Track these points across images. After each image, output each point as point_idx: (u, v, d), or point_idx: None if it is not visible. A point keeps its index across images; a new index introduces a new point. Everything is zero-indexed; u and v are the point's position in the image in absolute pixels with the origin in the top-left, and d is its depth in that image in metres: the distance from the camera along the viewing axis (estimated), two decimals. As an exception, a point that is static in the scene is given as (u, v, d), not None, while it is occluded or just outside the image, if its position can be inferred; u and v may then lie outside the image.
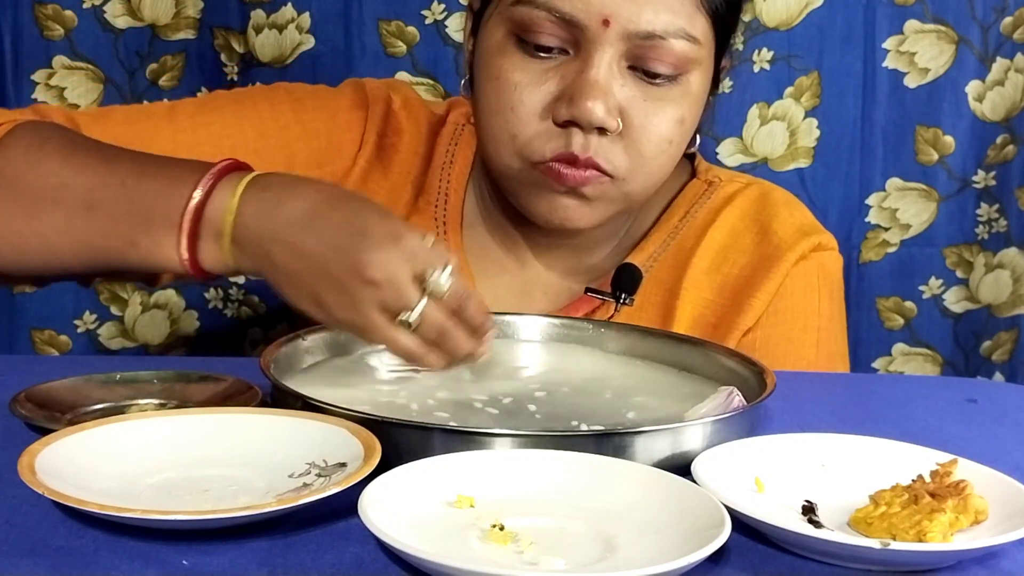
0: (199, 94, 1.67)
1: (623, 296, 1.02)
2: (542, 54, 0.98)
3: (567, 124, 0.97)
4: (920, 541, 0.61)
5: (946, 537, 0.62)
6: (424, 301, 0.76)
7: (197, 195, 0.83)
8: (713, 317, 1.07)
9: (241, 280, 1.77)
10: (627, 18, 0.95)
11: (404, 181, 1.14)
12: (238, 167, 0.87)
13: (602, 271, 1.10)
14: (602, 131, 0.97)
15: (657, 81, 0.98)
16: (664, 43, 0.96)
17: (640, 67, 0.97)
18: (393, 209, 1.12)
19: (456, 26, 1.62)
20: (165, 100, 1.66)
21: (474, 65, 1.05)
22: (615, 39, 0.95)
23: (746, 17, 1.61)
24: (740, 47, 1.63)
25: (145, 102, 1.66)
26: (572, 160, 0.97)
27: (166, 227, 0.85)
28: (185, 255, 0.84)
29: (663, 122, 0.99)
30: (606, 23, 0.95)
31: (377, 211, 0.81)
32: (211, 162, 0.86)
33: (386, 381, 0.88)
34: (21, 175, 0.91)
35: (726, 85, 1.63)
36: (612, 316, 1.03)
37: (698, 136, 1.09)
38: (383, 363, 0.90)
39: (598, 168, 0.98)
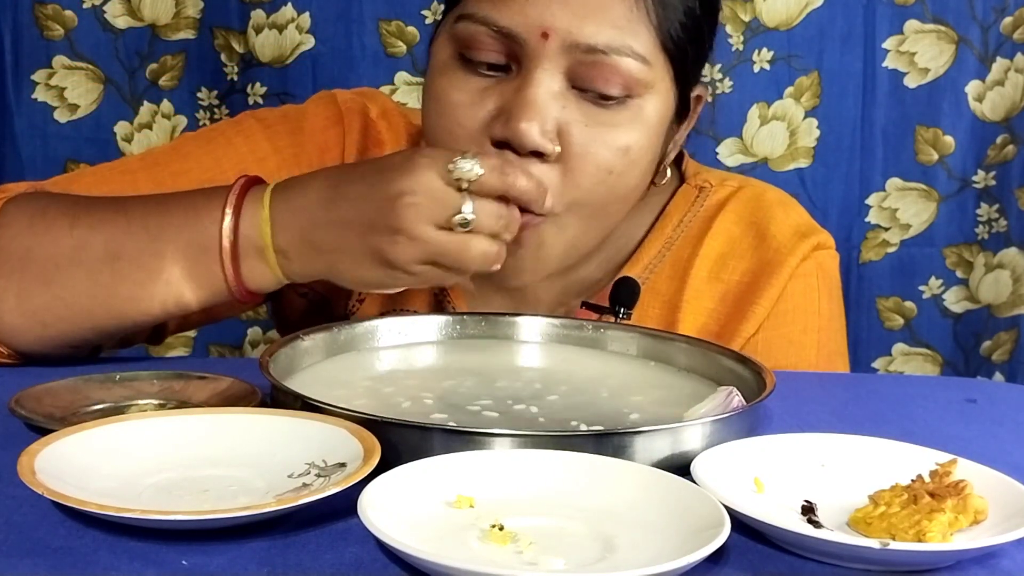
0: (199, 94, 1.67)
1: (621, 310, 1.00)
2: (486, 71, 0.93)
3: (501, 145, 0.91)
4: (919, 541, 0.61)
5: (945, 537, 0.62)
6: (467, 196, 0.80)
7: (228, 217, 0.84)
8: (716, 326, 1.06)
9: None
10: (567, 30, 0.89)
11: None
12: (255, 182, 0.89)
13: (593, 283, 1.08)
14: (538, 156, 0.90)
15: (606, 103, 0.92)
16: (608, 60, 0.90)
17: (586, 87, 0.92)
18: None
19: (456, 26, 1.62)
20: (160, 105, 1.66)
21: (424, 86, 1.01)
22: (555, 53, 0.90)
23: (745, 17, 1.62)
24: (740, 47, 1.63)
25: (144, 107, 1.66)
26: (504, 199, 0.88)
27: (201, 255, 0.86)
28: (231, 278, 0.86)
29: (603, 148, 0.92)
30: (545, 35, 0.89)
31: (387, 155, 0.85)
32: (225, 185, 0.87)
33: (387, 381, 0.88)
34: (31, 247, 0.90)
35: (726, 85, 1.63)
36: None
37: (667, 171, 1.04)
38: None
39: (529, 208, 0.89)
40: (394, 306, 1.09)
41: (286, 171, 1.06)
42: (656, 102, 0.95)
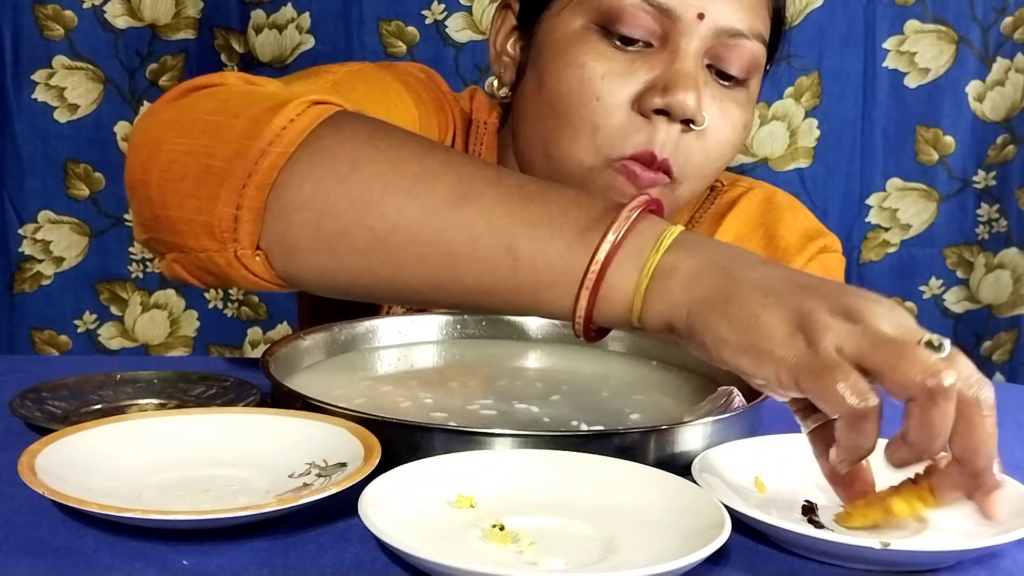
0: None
1: None
2: (626, 46, 0.95)
3: (656, 115, 0.94)
4: (889, 518, 0.61)
5: (916, 512, 0.61)
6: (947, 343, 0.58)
7: (632, 211, 0.65)
8: None
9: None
10: (720, 14, 0.94)
11: None
12: (650, 204, 0.68)
13: None
14: (687, 126, 0.95)
15: (727, 84, 0.97)
16: (745, 43, 0.96)
17: (716, 67, 0.97)
18: None
19: (456, 26, 1.62)
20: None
21: (531, 61, 1.01)
22: (705, 34, 0.94)
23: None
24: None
25: (143, 108, 1.66)
26: (650, 160, 0.94)
27: (576, 233, 0.66)
28: (589, 286, 0.65)
29: (732, 125, 0.98)
30: (701, 16, 0.94)
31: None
32: (619, 202, 0.67)
33: (387, 380, 0.88)
34: (364, 161, 0.70)
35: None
36: None
37: None
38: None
39: (668, 172, 0.96)
40: None
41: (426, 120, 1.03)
42: (758, 84, 1.02)
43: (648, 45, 0.96)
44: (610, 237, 0.64)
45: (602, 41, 0.96)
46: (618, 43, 0.95)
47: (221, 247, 0.71)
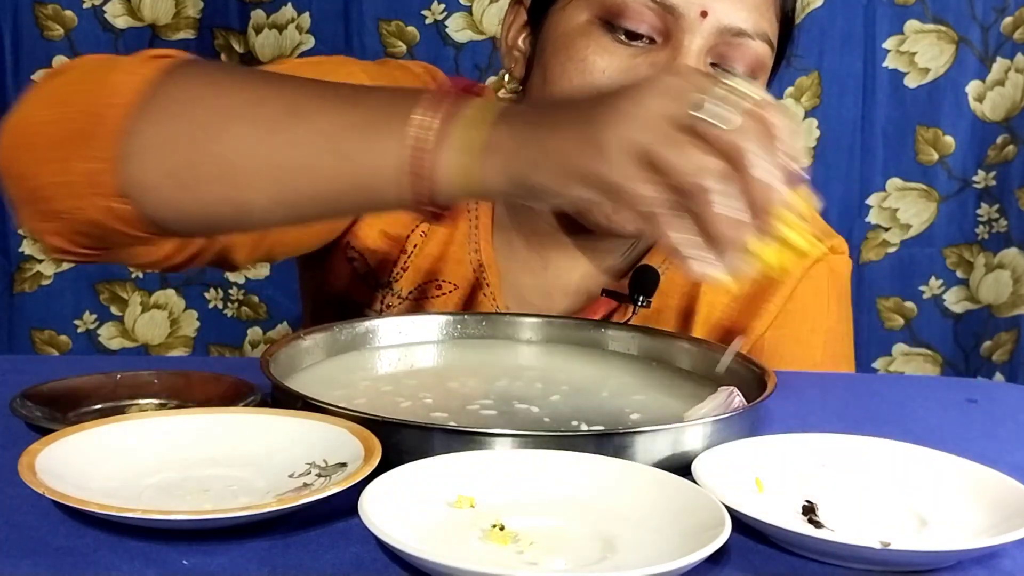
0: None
1: (640, 298, 1.01)
2: (629, 41, 0.96)
3: None
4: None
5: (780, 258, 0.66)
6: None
7: (436, 101, 0.70)
8: (728, 321, 1.07)
9: (241, 280, 1.78)
10: (723, 12, 0.94)
11: None
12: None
13: (618, 272, 1.10)
14: None
15: None
16: (749, 43, 0.96)
17: (720, 66, 0.97)
18: None
19: (456, 26, 1.62)
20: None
21: (538, 55, 1.02)
22: (708, 32, 0.95)
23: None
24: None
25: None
26: None
27: (398, 127, 0.70)
28: (425, 155, 0.69)
29: None
30: (704, 14, 0.94)
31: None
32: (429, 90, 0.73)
33: (387, 380, 0.88)
34: (198, 97, 0.77)
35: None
36: (629, 319, 1.03)
37: None
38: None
39: None
40: (434, 277, 1.09)
41: None
42: (765, 84, 1.01)
43: (652, 41, 0.96)
44: (429, 122, 0.69)
45: (605, 36, 0.96)
46: (622, 38, 0.96)
47: (88, 202, 0.76)
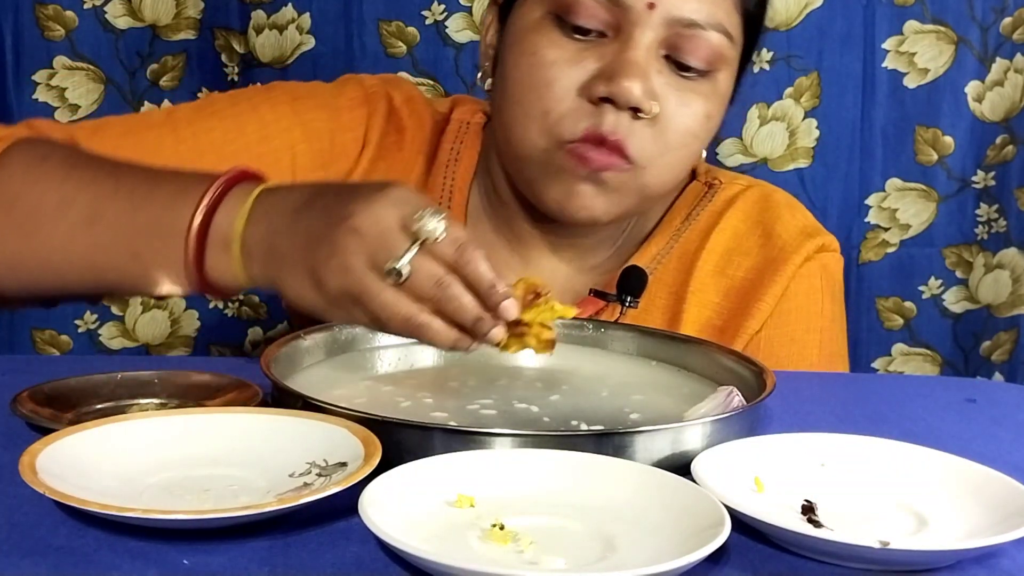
0: (199, 94, 1.67)
1: (628, 299, 1.02)
2: (580, 36, 0.97)
3: (602, 102, 0.96)
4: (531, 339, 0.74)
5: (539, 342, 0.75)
6: (414, 248, 0.71)
7: (206, 201, 0.81)
8: (719, 320, 1.07)
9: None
10: (672, 3, 0.95)
11: (406, 180, 1.12)
12: (248, 176, 0.85)
13: (604, 272, 1.10)
14: (635, 114, 0.96)
15: (688, 74, 0.98)
16: (703, 34, 0.97)
17: (674, 57, 0.97)
18: None
19: (456, 26, 1.62)
20: (162, 105, 1.66)
21: (501, 51, 1.04)
22: (657, 23, 0.96)
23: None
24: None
25: (144, 108, 1.66)
26: (600, 141, 0.96)
27: (172, 238, 0.82)
28: (192, 265, 0.82)
29: (692, 114, 0.99)
30: (651, 6, 0.95)
31: (374, 181, 0.81)
32: (220, 172, 0.84)
33: (387, 380, 0.88)
34: (20, 194, 0.89)
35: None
36: (618, 319, 1.03)
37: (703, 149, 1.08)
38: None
39: (623, 154, 0.97)
40: None
41: (307, 144, 1.08)
42: (728, 77, 1.02)
43: (602, 35, 0.97)
44: (196, 227, 0.81)
45: (556, 31, 0.98)
46: (573, 33, 0.97)
47: None
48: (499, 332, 0.73)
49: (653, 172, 1.00)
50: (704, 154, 1.09)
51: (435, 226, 0.71)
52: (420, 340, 0.74)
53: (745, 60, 1.04)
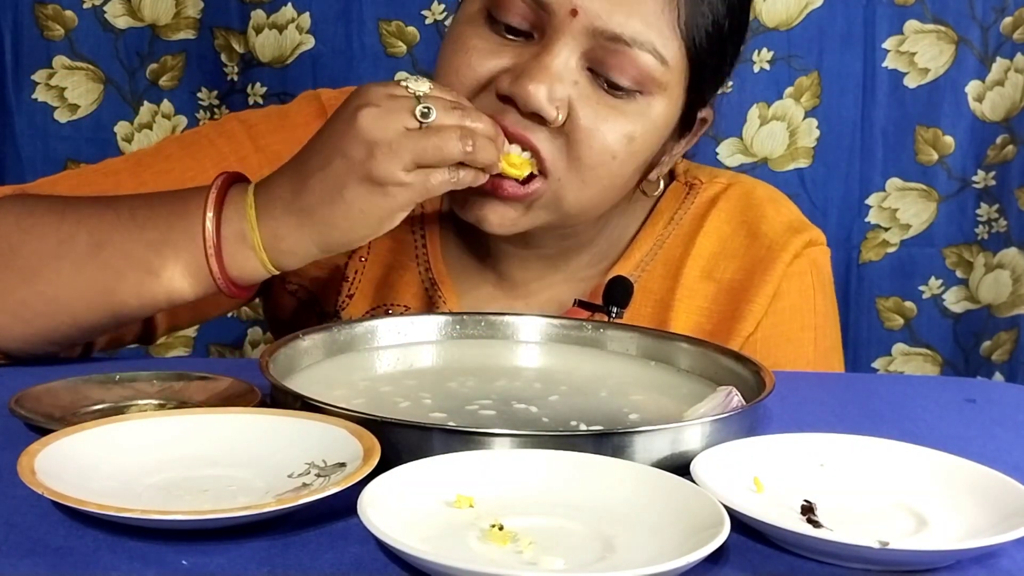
0: (199, 94, 1.67)
1: (614, 309, 1.00)
2: (510, 36, 0.96)
3: (505, 101, 0.94)
4: None
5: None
6: (421, 90, 0.85)
7: (211, 208, 0.86)
8: (709, 324, 1.06)
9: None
10: (596, 14, 0.92)
11: None
12: (236, 178, 0.91)
13: (584, 281, 1.09)
14: (541, 122, 0.93)
15: (617, 92, 0.94)
16: (629, 51, 0.93)
17: (601, 72, 0.94)
18: None
19: (456, 26, 1.62)
20: (161, 105, 1.67)
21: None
22: (579, 32, 0.93)
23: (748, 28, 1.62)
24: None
25: (144, 107, 1.66)
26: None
27: (187, 243, 0.87)
28: (214, 262, 0.87)
29: (610, 131, 0.94)
30: (574, 12, 0.92)
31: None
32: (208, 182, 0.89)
33: (385, 381, 0.88)
34: (17, 244, 0.90)
35: (726, 85, 1.63)
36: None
37: (660, 183, 1.07)
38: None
39: (533, 152, 0.94)
40: (383, 301, 1.09)
41: (268, 168, 1.07)
42: (665, 105, 0.97)
43: (530, 37, 0.96)
44: (212, 233, 0.87)
45: (485, 26, 0.97)
46: (504, 32, 0.96)
47: None
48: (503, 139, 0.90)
49: (568, 187, 0.96)
50: (662, 186, 1.08)
51: (421, 82, 0.86)
52: (474, 150, 0.86)
53: (699, 90, 1.00)
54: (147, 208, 0.90)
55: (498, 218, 0.97)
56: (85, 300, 0.89)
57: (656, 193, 1.09)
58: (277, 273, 0.91)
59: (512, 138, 0.93)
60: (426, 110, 0.84)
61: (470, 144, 0.85)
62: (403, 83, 0.86)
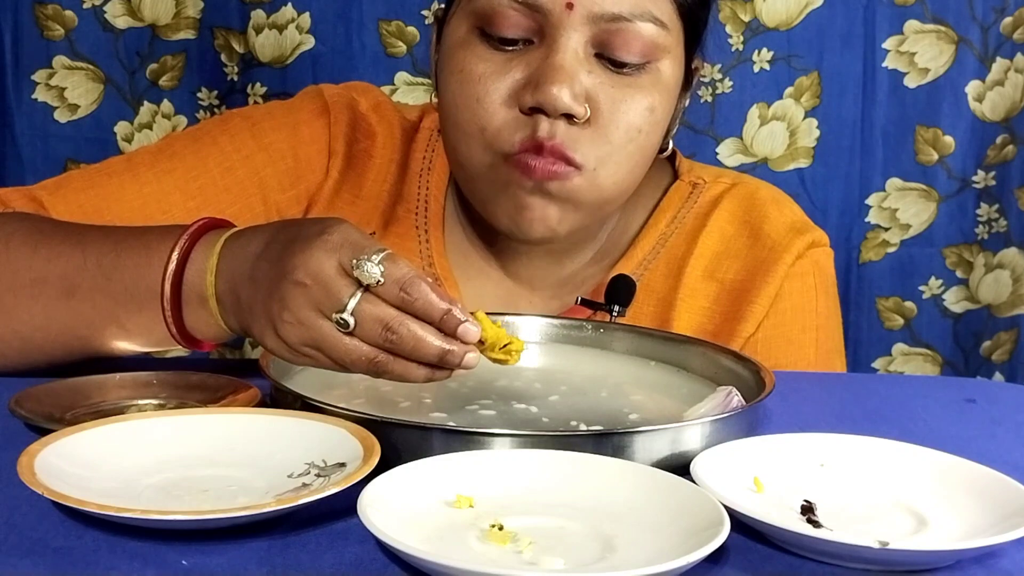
0: (199, 94, 1.67)
1: (616, 308, 1.00)
2: (506, 47, 0.96)
3: (533, 111, 0.94)
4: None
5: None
6: (357, 295, 0.71)
7: (173, 263, 0.82)
8: (711, 325, 1.06)
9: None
10: (591, 0, 0.93)
11: (380, 189, 1.11)
12: (214, 225, 0.85)
13: (587, 279, 1.09)
14: (569, 119, 0.94)
15: (626, 70, 0.96)
16: (631, 26, 0.94)
17: (608, 55, 0.95)
18: (369, 218, 1.10)
19: (456, 26, 1.61)
20: (161, 105, 1.67)
21: (437, 70, 1.03)
22: (580, 23, 0.93)
23: (745, 18, 1.62)
24: (740, 47, 1.63)
25: (144, 107, 1.66)
26: (538, 148, 0.94)
27: (149, 300, 0.83)
28: (172, 325, 0.83)
29: (632, 109, 0.96)
30: (569, 6, 0.93)
31: (318, 219, 0.77)
32: (185, 224, 0.84)
33: (385, 381, 0.87)
34: None
35: (726, 85, 1.63)
36: None
37: (671, 141, 1.07)
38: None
39: (566, 159, 0.95)
40: None
41: (272, 167, 1.07)
42: (672, 67, 0.99)
43: (529, 43, 0.96)
44: (169, 289, 0.82)
45: (482, 44, 0.97)
46: (500, 45, 0.96)
47: None
48: (472, 358, 0.72)
49: (605, 174, 0.97)
50: (672, 144, 1.07)
51: (373, 271, 0.70)
52: (391, 379, 0.73)
53: (693, 44, 1.02)
54: (114, 255, 0.86)
55: (537, 215, 0.97)
56: (60, 343, 0.89)
57: (667, 154, 1.09)
58: (240, 334, 0.84)
59: (554, 156, 0.94)
60: (343, 322, 0.71)
61: (375, 367, 0.72)
62: (358, 263, 0.71)
